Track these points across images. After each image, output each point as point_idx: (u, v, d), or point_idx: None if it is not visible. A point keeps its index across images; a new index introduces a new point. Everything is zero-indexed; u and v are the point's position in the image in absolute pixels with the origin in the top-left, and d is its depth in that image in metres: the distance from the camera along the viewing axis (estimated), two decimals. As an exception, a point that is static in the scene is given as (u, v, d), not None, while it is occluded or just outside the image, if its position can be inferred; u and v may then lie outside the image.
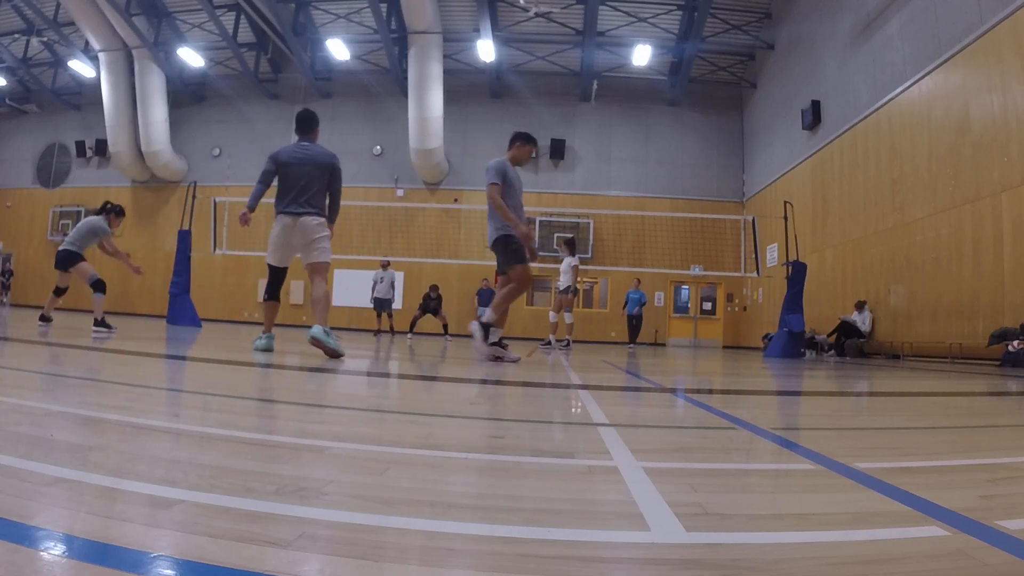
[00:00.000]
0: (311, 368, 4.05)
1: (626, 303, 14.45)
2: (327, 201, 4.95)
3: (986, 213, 8.23)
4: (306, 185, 4.76)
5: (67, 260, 6.85)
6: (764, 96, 16.73)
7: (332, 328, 4.80)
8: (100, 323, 6.60)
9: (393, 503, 1.02)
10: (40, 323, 6.77)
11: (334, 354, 4.50)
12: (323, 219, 4.86)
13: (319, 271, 4.85)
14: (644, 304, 14.40)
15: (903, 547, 0.89)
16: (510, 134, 5.73)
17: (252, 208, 4.82)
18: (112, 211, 7.22)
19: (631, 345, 13.81)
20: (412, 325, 13.13)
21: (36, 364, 3.24)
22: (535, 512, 1.00)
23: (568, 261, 10.28)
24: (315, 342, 4.49)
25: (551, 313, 10.60)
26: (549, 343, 10.30)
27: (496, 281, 6.03)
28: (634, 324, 14.11)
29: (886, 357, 10.27)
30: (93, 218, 7.05)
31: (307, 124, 4.97)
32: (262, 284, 18.18)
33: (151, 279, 18.61)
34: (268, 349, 4.88)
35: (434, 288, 13.40)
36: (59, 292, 7.08)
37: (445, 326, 13.40)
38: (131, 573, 0.68)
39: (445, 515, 0.97)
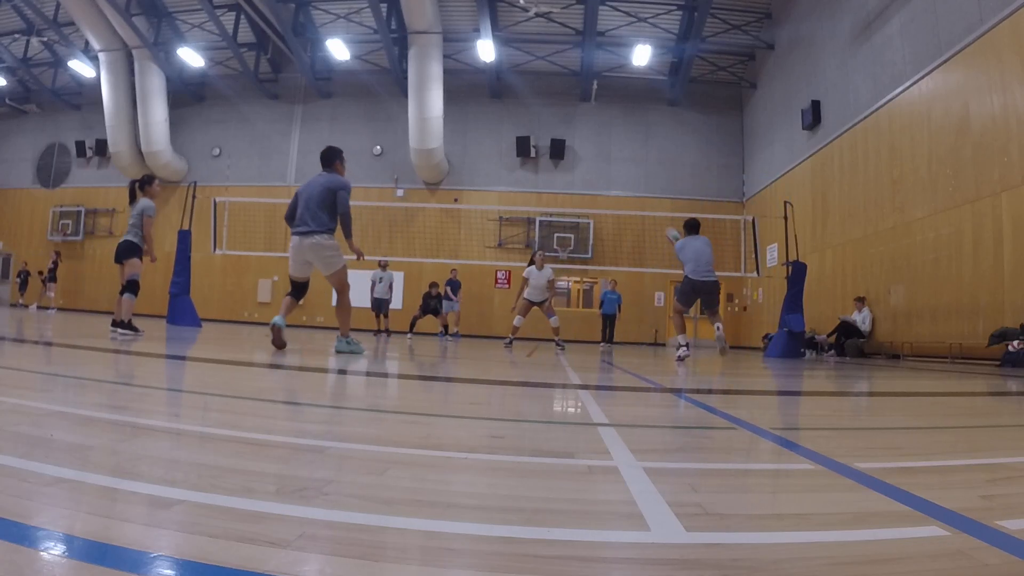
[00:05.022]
0: (311, 368, 4.05)
1: (602, 303, 14.23)
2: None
3: (986, 213, 8.22)
4: (310, 207, 5.26)
5: (128, 252, 6.55)
6: (764, 96, 16.73)
7: (333, 328, 5.18)
8: (125, 325, 6.22)
9: (393, 503, 1.02)
10: (123, 331, 6.19)
11: (355, 352, 5.31)
12: (326, 235, 5.27)
13: (332, 282, 5.43)
14: (620, 305, 14.14)
15: (903, 547, 0.89)
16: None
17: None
18: (149, 180, 6.90)
19: (603, 344, 13.55)
20: (412, 325, 13.06)
21: (36, 364, 3.24)
22: (535, 512, 1.00)
23: (547, 273, 9.93)
24: (340, 353, 5.33)
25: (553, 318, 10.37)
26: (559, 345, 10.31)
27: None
28: (609, 324, 13.87)
29: (886, 357, 10.27)
30: (146, 201, 6.71)
31: (323, 159, 5.53)
32: (262, 284, 18.46)
33: (151, 279, 18.52)
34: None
35: (433, 286, 13.24)
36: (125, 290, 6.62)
37: (445, 327, 13.29)
38: (131, 573, 0.68)
39: (445, 515, 0.97)
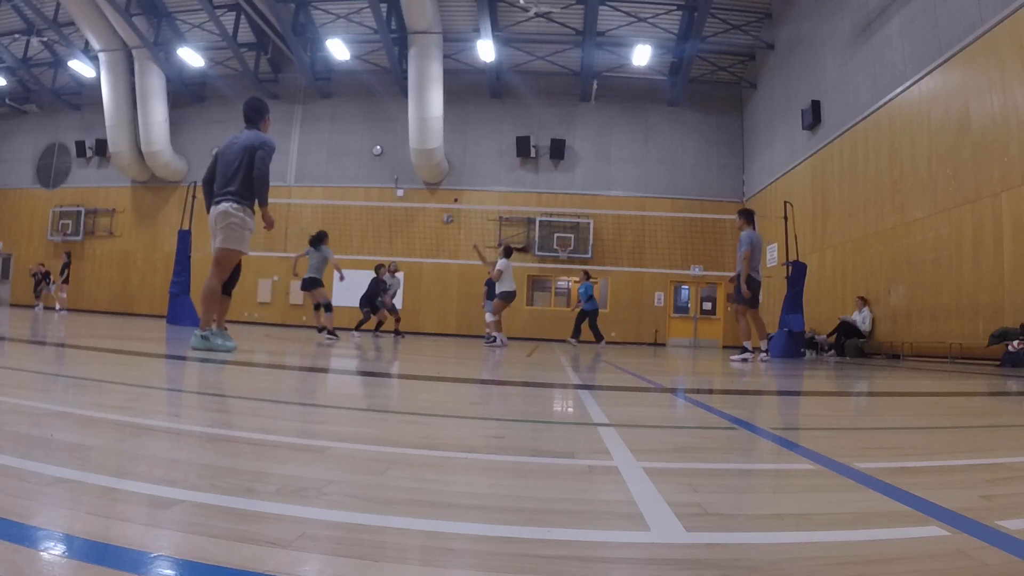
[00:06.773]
0: (311, 368, 4.06)
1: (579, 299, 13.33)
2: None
3: (986, 213, 8.22)
4: (227, 171, 4.60)
5: (311, 284, 9.01)
6: (764, 96, 16.72)
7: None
8: (330, 332, 8.47)
9: (393, 503, 1.02)
10: (328, 336, 8.40)
11: (223, 350, 4.40)
12: (235, 203, 4.57)
13: (216, 254, 4.62)
14: (591, 298, 13.01)
15: (903, 547, 0.89)
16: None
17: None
18: (323, 238, 9.15)
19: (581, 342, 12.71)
20: (360, 324, 11.66)
21: (36, 364, 3.24)
22: (535, 512, 1.00)
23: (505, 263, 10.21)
24: (196, 350, 4.37)
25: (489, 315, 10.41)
26: (495, 340, 10.16)
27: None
28: (590, 320, 12.86)
29: (886, 357, 10.26)
30: (325, 248, 9.10)
31: (247, 114, 4.82)
32: (262, 284, 18.42)
33: (151, 279, 18.59)
34: (206, 348, 4.55)
35: (379, 268, 11.89)
36: (318, 307, 9.07)
37: (379, 324, 12.10)
38: (131, 573, 0.68)
39: (445, 515, 0.97)
